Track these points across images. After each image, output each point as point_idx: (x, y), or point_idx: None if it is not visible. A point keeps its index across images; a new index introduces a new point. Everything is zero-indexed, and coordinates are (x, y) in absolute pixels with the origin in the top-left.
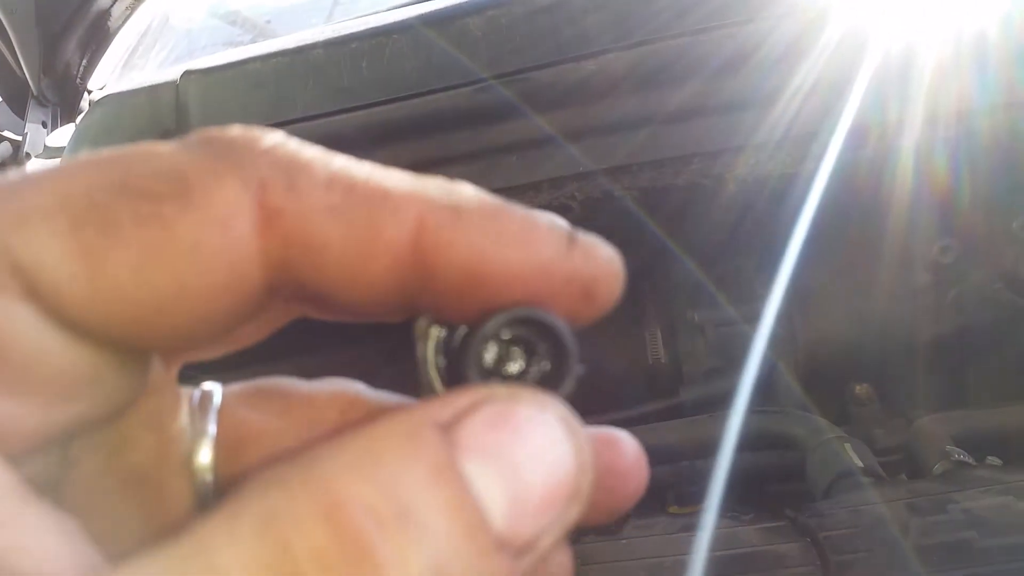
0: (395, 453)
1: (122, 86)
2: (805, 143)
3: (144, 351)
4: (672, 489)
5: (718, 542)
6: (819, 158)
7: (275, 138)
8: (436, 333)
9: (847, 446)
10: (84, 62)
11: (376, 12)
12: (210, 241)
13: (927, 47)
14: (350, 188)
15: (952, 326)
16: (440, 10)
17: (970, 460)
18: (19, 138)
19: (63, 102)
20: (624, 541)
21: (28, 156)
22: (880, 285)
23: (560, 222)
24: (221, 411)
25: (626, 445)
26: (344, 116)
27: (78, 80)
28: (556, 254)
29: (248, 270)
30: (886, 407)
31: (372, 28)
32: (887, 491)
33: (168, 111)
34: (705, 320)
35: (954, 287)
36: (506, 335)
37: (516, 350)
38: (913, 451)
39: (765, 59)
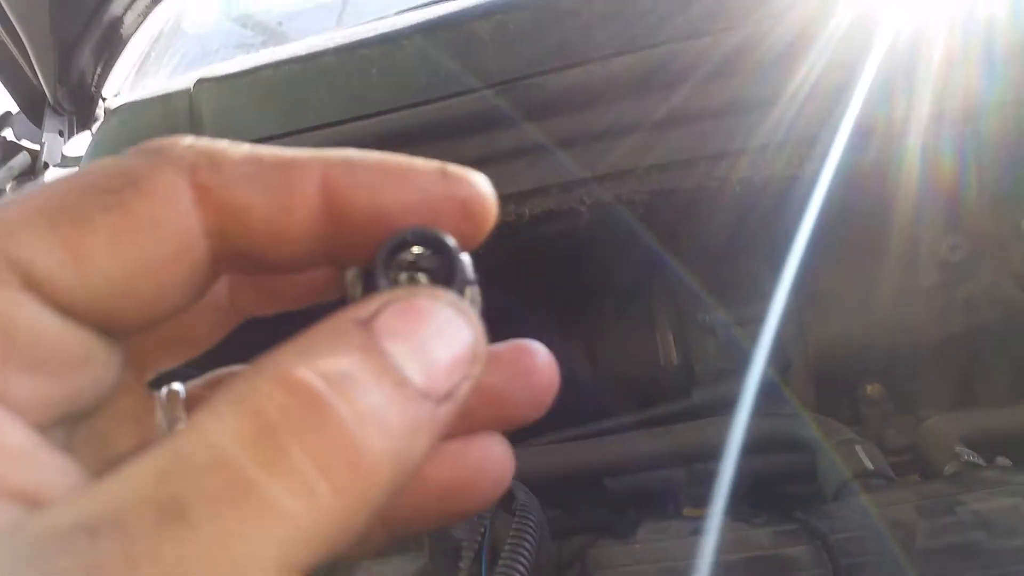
0: (328, 341)
1: (137, 94)
2: (810, 143)
3: (122, 330)
4: (686, 490)
5: (730, 545)
6: (824, 157)
7: (193, 138)
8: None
9: (858, 448)
10: (98, 70)
11: (385, 16)
12: (161, 217)
13: (933, 44)
14: (261, 161)
15: (962, 325)
16: (448, 15)
17: (980, 461)
18: (37, 148)
19: (79, 110)
20: (637, 545)
21: (46, 166)
22: (890, 284)
23: (433, 161)
24: (187, 402)
25: (536, 348)
26: (356, 124)
27: (93, 88)
28: (433, 183)
29: (194, 239)
30: (898, 406)
31: (381, 34)
32: (896, 493)
33: (183, 119)
34: (716, 321)
35: (963, 286)
36: (408, 257)
37: (421, 276)
38: (922, 452)
39: (769, 59)
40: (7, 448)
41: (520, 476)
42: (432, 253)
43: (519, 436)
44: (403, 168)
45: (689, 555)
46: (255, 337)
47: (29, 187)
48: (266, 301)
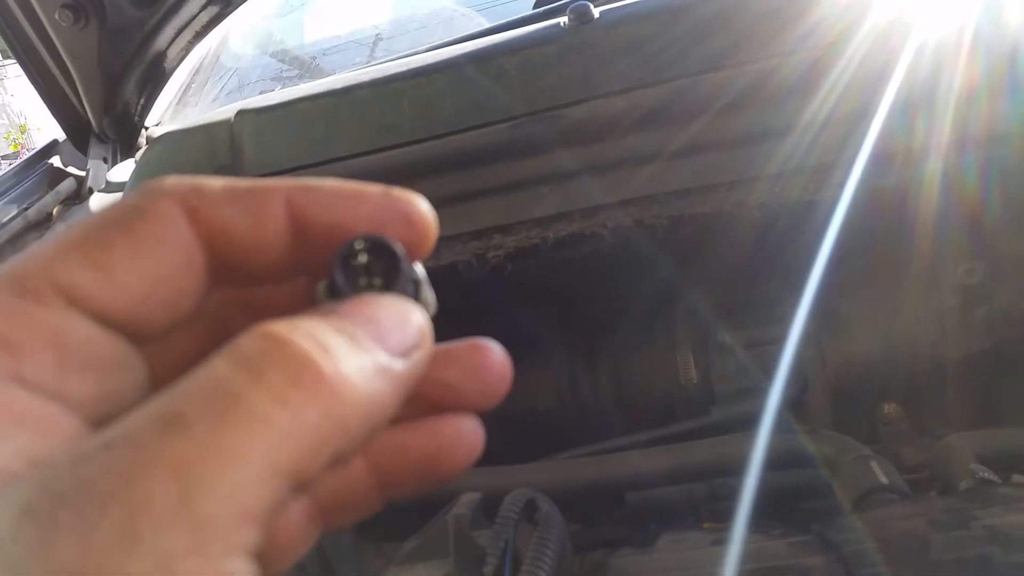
0: (299, 318)
1: (178, 124)
2: (829, 168)
3: (147, 333)
4: (706, 505)
5: (747, 555)
6: (844, 182)
7: (179, 176)
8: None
9: (873, 464)
10: (142, 101)
11: (416, 52)
12: (164, 234)
13: (954, 68)
14: (236, 189)
15: (981, 346)
16: (476, 51)
17: (995, 478)
18: (82, 174)
19: (122, 139)
20: (657, 554)
21: (91, 191)
22: (908, 306)
23: (379, 184)
24: None
25: (489, 345)
26: (388, 153)
27: (136, 118)
28: (378, 201)
29: (193, 251)
30: (916, 426)
31: (413, 69)
32: (910, 507)
33: (223, 148)
34: (736, 341)
35: (982, 307)
36: (363, 259)
37: (376, 280)
38: (938, 469)
39: (787, 88)
40: (72, 433)
41: (543, 490)
42: (382, 259)
43: (543, 452)
44: (354, 190)
45: (709, 564)
46: None
47: (75, 210)
48: (253, 319)
